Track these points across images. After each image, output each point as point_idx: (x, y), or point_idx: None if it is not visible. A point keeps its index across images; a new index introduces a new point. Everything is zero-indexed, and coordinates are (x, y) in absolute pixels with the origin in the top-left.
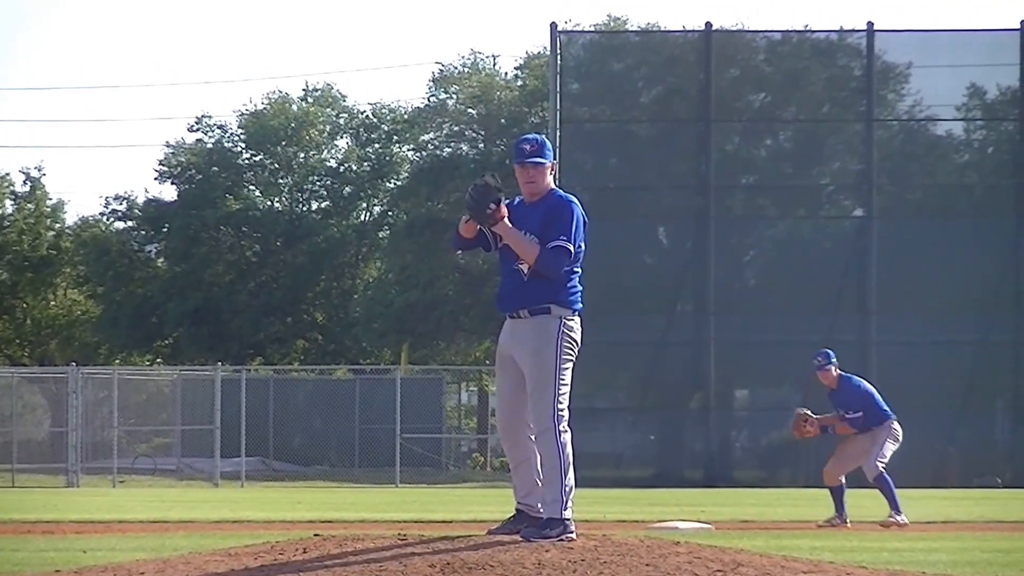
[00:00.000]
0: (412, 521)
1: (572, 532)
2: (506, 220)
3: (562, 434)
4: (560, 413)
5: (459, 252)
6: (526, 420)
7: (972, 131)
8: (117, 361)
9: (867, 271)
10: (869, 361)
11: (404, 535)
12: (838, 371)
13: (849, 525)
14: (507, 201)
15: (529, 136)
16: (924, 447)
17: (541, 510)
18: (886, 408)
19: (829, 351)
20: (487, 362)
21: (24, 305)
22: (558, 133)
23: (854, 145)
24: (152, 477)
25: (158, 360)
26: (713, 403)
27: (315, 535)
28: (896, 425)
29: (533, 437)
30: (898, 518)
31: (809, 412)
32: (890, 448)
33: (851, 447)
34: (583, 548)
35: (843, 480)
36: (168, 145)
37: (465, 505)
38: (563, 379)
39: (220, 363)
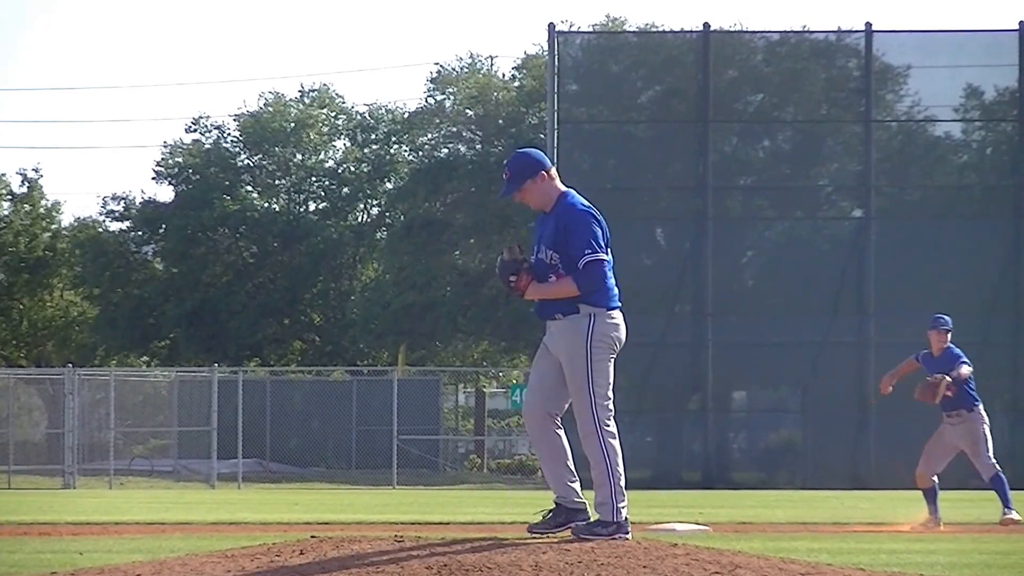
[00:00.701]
0: (409, 523)
1: (627, 533)
2: (533, 284)
3: (606, 435)
4: (599, 414)
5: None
6: (550, 412)
7: (970, 132)
8: (114, 362)
9: (865, 272)
10: (867, 363)
11: (401, 537)
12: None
13: (943, 527)
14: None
15: (509, 160)
16: (922, 449)
17: (576, 501)
18: (975, 392)
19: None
20: (484, 363)
21: (21, 306)
22: (556, 133)
23: (852, 146)
24: (149, 479)
25: (155, 361)
26: (711, 405)
27: (312, 537)
28: (982, 409)
29: (559, 431)
30: (1012, 514)
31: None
32: (990, 438)
33: (938, 446)
34: (580, 550)
35: (935, 480)
36: (165, 145)
37: (462, 507)
38: (599, 378)
39: (217, 364)
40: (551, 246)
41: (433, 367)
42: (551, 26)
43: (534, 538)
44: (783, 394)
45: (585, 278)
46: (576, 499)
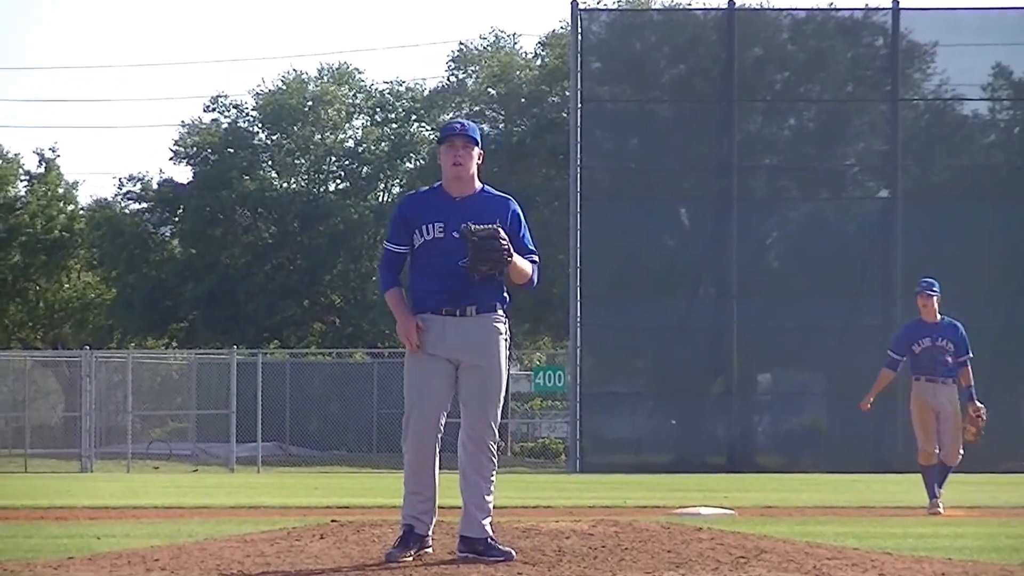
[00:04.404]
0: None
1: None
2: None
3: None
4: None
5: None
6: (442, 427)
7: (998, 111)
8: (132, 345)
9: (891, 254)
10: None
11: None
12: None
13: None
14: (418, 191)
15: (462, 122)
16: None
17: (429, 531)
18: None
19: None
20: None
21: (37, 288)
22: (579, 112)
23: (879, 125)
24: (167, 462)
25: (173, 344)
26: (735, 388)
27: (332, 521)
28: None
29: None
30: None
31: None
32: None
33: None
34: (604, 534)
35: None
36: (183, 124)
37: None
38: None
39: (236, 346)
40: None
41: None
42: (574, 3)
43: (550, 523)
44: (808, 377)
45: (536, 273)
46: (430, 528)
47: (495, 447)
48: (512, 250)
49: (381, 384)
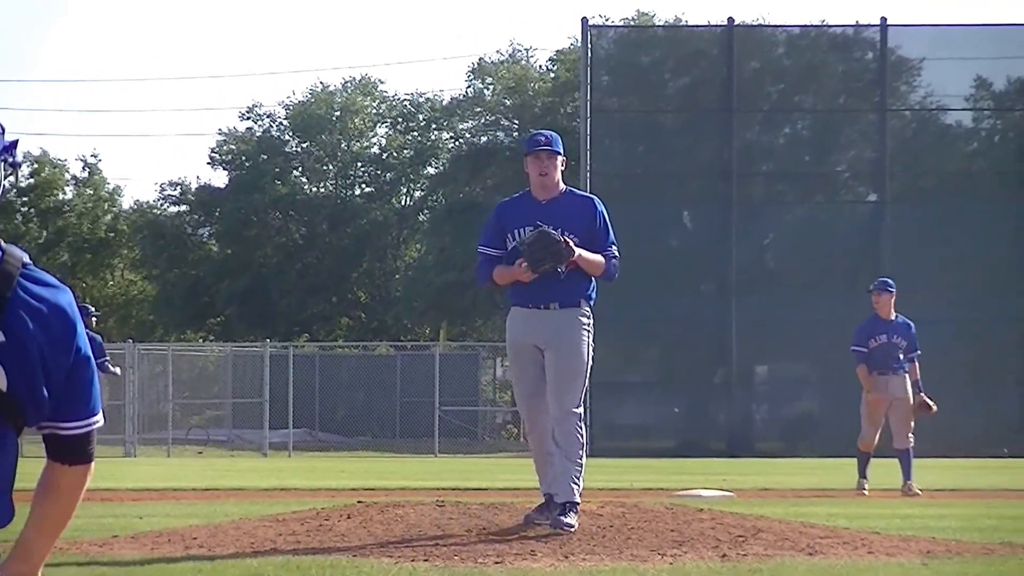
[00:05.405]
0: (450, 489)
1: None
2: (574, 248)
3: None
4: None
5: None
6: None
7: (981, 120)
8: (172, 338)
9: (880, 253)
10: None
11: (442, 502)
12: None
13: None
14: (510, 198)
15: (545, 133)
16: (936, 420)
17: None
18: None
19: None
20: None
21: (83, 285)
22: (588, 122)
23: (868, 134)
24: (204, 447)
25: (210, 337)
26: (735, 378)
27: (358, 502)
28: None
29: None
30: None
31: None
32: None
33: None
34: (612, 515)
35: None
36: (220, 133)
37: (500, 474)
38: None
39: (269, 340)
40: (576, 232)
41: (473, 342)
42: (584, 20)
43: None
44: (803, 368)
45: (614, 268)
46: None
47: (574, 429)
48: (570, 244)
49: (404, 375)
